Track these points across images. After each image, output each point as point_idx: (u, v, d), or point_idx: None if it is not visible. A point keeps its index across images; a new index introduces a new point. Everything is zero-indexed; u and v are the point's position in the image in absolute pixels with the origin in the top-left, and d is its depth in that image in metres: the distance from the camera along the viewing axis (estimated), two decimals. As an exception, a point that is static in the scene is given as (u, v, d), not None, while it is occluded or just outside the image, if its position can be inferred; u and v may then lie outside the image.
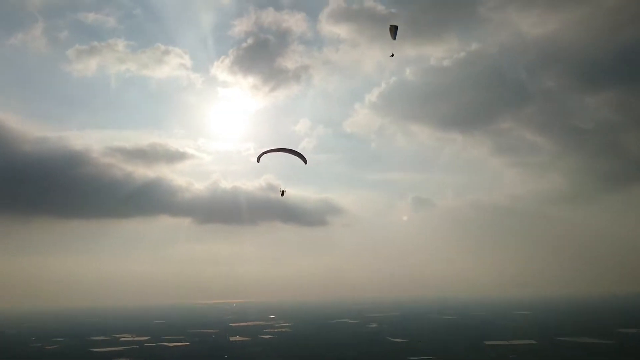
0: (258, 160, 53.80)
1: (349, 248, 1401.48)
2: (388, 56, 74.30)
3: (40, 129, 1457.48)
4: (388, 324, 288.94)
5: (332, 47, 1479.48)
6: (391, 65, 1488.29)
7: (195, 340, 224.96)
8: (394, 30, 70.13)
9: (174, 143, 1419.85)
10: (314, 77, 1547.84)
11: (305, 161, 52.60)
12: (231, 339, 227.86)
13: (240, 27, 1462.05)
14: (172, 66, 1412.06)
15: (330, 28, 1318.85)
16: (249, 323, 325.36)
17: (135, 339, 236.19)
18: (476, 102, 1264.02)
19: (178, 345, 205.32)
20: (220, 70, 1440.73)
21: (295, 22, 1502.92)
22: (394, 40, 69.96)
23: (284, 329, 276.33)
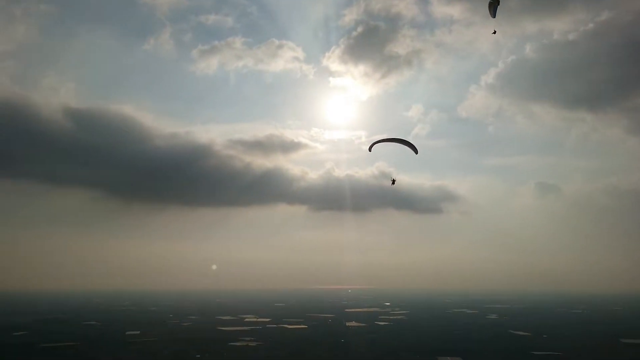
0: (370, 150, 54.21)
1: (466, 237, 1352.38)
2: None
3: (170, 125, 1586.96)
4: (509, 316, 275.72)
5: (444, 28, 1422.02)
6: (509, 43, 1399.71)
7: (313, 324, 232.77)
8: (493, 6, 66.05)
9: (289, 133, 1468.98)
10: (426, 61, 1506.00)
11: (416, 151, 51.85)
12: (347, 324, 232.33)
13: (349, 16, 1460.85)
14: (285, 59, 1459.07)
15: (442, 9, 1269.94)
16: (364, 309, 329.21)
17: (258, 320, 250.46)
18: (608, 78, 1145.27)
19: (297, 328, 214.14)
20: (332, 60, 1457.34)
21: (405, 5, 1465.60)
22: (493, 18, 65.79)
23: (399, 317, 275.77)
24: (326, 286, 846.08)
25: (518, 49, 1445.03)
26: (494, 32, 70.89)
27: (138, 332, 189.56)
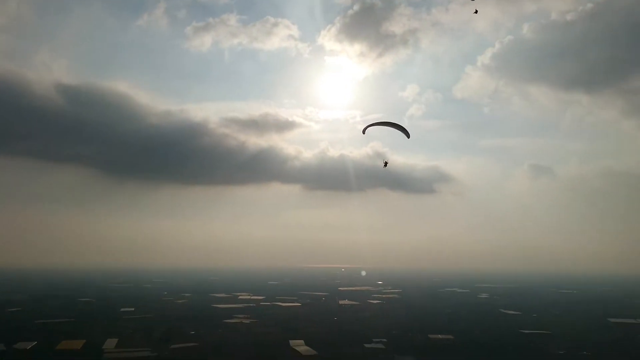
0: (364, 133, 54.19)
1: (459, 217, 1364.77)
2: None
3: (164, 103, 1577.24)
4: (500, 296, 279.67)
5: (441, 7, 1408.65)
6: (507, 23, 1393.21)
7: (306, 301, 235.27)
8: None
9: (284, 112, 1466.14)
10: (422, 40, 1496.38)
11: (408, 136, 51.93)
12: (340, 302, 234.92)
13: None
14: (280, 37, 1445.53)
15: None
16: (357, 288, 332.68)
17: (252, 297, 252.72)
18: (605, 59, 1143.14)
19: (291, 306, 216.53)
20: (327, 39, 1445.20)
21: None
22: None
23: (392, 295, 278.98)
24: (320, 265, 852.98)
25: (516, 28, 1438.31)
26: (476, 12, 70.36)
27: (133, 308, 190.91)
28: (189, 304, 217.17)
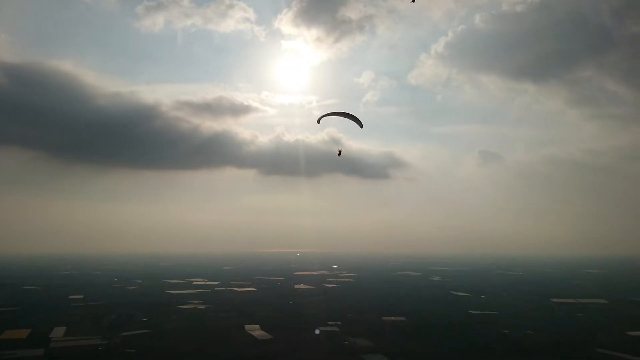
0: (318, 122, 53.98)
1: (412, 202, 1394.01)
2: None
3: (114, 84, 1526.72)
4: (451, 278, 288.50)
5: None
6: (460, 13, 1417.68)
7: (262, 286, 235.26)
8: None
9: (239, 96, 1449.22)
10: (378, 27, 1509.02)
11: (361, 125, 52.25)
12: (296, 286, 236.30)
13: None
14: (236, 20, 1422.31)
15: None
16: (313, 272, 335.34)
17: (207, 283, 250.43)
18: (553, 50, 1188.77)
19: (246, 291, 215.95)
20: (284, 23, 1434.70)
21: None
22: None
23: (347, 279, 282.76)
24: (275, 250, 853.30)
25: (468, 18, 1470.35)
26: (413, 1, 70.88)
27: (82, 296, 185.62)
28: (140, 291, 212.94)
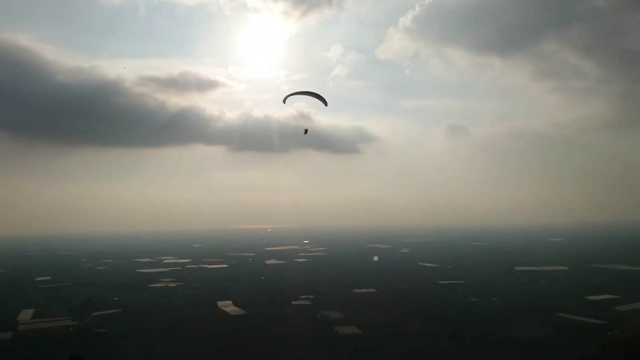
0: (284, 102, 53.68)
1: (382, 176, 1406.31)
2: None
3: (74, 59, 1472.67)
4: (420, 250, 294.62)
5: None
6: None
7: (233, 263, 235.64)
8: None
9: (205, 71, 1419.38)
10: (346, 0, 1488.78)
11: (326, 104, 52.26)
12: (267, 262, 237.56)
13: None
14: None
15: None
16: (284, 247, 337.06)
17: (178, 261, 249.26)
18: (518, 24, 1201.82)
19: (218, 267, 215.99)
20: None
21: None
22: None
23: (318, 253, 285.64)
24: (246, 226, 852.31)
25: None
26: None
27: (49, 277, 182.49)
28: (110, 270, 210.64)
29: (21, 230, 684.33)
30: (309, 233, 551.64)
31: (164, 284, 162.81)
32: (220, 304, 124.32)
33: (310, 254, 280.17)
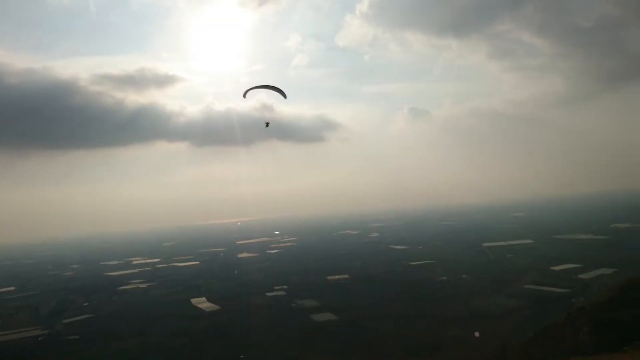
0: (244, 97, 53.11)
1: (348, 162, 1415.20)
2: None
3: (24, 60, 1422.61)
4: (389, 233, 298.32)
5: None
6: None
7: (204, 259, 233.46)
8: None
9: (163, 66, 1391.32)
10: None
11: (285, 96, 52.19)
12: (239, 255, 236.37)
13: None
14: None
15: None
16: (255, 240, 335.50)
17: (147, 261, 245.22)
18: (472, 4, 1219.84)
19: (189, 265, 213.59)
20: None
21: None
22: None
23: (289, 244, 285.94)
24: (215, 221, 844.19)
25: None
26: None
27: (13, 288, 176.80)
28: (78, 276, 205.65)
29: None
30: (280, 224, 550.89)
31: (134, 286, 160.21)
32: (194, 301, 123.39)
33: (281, 245, 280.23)
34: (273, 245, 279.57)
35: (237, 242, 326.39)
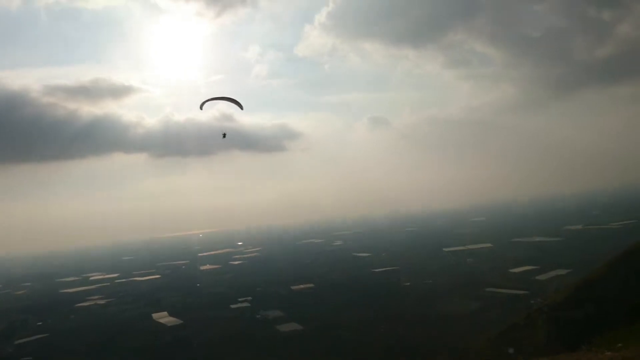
0: (201, 108, 52.55)
1: (310, 171, 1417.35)
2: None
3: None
4: (353, 241, 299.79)
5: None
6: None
7: (166, 272, 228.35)
8: None
9: (119, 77, 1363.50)
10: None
11: (241, 107, 52.12)
12: (202, 268, 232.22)
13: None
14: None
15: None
16: (218, 251, 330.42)
17: (106, 276, 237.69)
18: (427, 15, 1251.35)
19: (150, 279, 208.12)
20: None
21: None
22: None
23: (252, 254, 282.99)
24: (176, 233, 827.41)
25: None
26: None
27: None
28: (31, 294, 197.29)
29: None
30: (242, 234, 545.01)
31: (92, 302, 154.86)
32: (155, 315, 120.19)
33: (245, 256, 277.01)
34: (236, 257, 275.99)
35: (200, 254, 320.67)
